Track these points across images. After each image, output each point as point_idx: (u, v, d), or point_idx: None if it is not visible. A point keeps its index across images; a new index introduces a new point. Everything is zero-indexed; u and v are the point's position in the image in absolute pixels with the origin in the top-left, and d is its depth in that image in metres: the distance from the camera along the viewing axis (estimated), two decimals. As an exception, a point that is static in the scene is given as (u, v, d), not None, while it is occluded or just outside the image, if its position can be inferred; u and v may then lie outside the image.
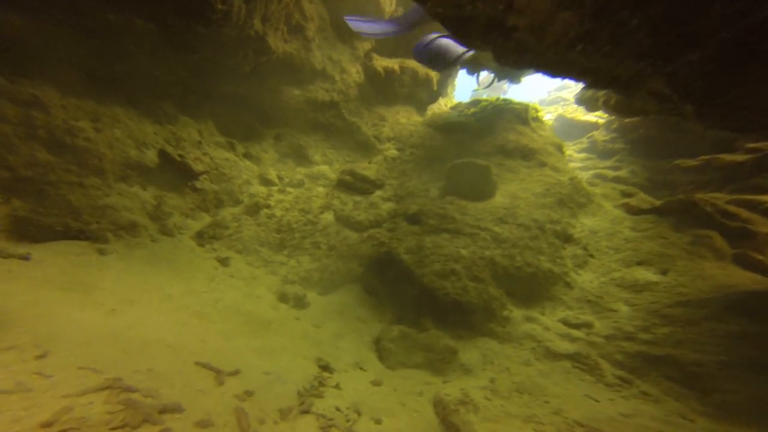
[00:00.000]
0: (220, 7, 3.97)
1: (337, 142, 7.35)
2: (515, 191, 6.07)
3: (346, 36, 7.07)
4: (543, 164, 6.68)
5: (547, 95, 18.06)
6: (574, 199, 5.87)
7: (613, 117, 10.18)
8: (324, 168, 7.03)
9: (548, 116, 12.57)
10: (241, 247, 5.26)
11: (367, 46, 7.27)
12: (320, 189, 6.49)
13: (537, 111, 8.24)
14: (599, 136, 10.32)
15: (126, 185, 4.35)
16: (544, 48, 3.06)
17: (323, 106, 7.02)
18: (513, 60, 3.81)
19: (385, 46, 7.73)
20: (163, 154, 4.87)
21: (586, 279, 4.40)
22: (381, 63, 7.39)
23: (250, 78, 5.85)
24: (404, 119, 7.81)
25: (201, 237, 5.11)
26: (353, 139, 7.35)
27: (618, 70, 3.09)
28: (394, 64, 7.52)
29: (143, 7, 3.96)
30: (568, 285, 4.39)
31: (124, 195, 4.24)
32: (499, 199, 5.89)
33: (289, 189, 6.31)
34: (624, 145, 9.28)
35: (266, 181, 6.20)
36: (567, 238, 5.17)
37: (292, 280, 5.09)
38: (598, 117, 10.99)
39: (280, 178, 6.46)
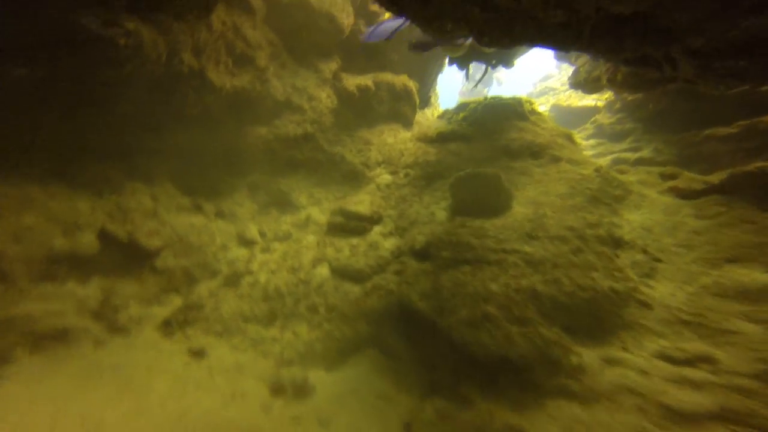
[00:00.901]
0: (123, 42, 3.15)
1: (323, 178, 6.44)
2: (535, 197, 5.08)
3: (307, 58, 6.29)
4: (557, 159, 5.73)
5: (534, 88, 17.41)
6: (607, 192, 4.87)
7: (614, 97, 9.35)
8: (312, 211, 6.08)
9: (542, 108, 11.80)
10: (221, 328, 4.24)
11: (333, 66, 6.47)
12: (311, 238, 5.52)
13: (531, 103, 7.38)
14: (604, 119, 9.44)
15: (53, 285, 3.39)
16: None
17: (297, 141, 6.15)
18: (498, 35, 2.95)
19: (354, 63, 6.95)
20: (104, 234, 3.93)
21: (665, 292, 3.34)
22: (352, 82, 6.58)
23: (204, 123, 4.99)
24: (391, 138, 6.94)
25: (168, 326, 4.10)
26: (339, 171, 6.44)
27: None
28: (366, 80, 6.71)
29: (31, 58, 3.12)
30: (643, 304, 3.33)
31: (49, 298, 3.27)
32: (519, 209, 4.90)
33: (274, 245, 5.34)
34: (635, 124, 8.36)
35: (246, 241, 5.24)
36: (617, 243, 4.15)
37: (289, 359, 4.03)
38: (596, 100, 10.18)
39: (262, 233, 5.51)
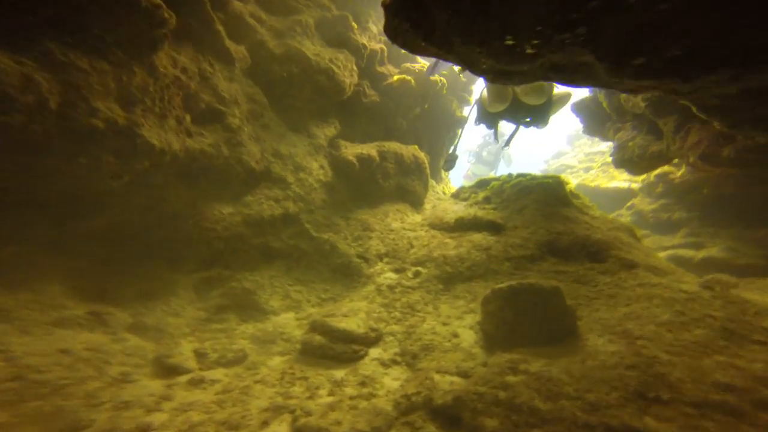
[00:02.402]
0: (12, 93, 1.76)
1: (305, 273, 4.81)
2: (616, 322, 3.42)
3: (298, 120, 5.01)
4: (630, 265, 4.17)
5: (547, 165, 16.58)
6: (747, 323, 3.21)
7: (654, 178, 8.16)
8: (285, 318, 4.38)
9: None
10: None
11: (329, 131, 5.20)
12: (275, 363, 3.76)
13: (568, 184, 6.07)
14: (643, 204, 8.13)
15: None
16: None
17: (275, 225, 4.63)
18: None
19: (356, 128, 5.71)
20: None
21: None
22: (352, 150, 5.25)
23: (133, 198, 3.48)
24: (397, 223, 5.45)
25: None
26: (328, 265, 4.84)
27: None
28: (370, 149, 5.40)
29: None
30: None
31: None
32: (596, 341, 3.21)
33: (215, 374, 3.54)
34: (688, 213, 7.01)
35: (167, 370, 3.43)
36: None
37: None
38: (630, 181, 9.01)
39: (201, 354, 3.72)
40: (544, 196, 5.30)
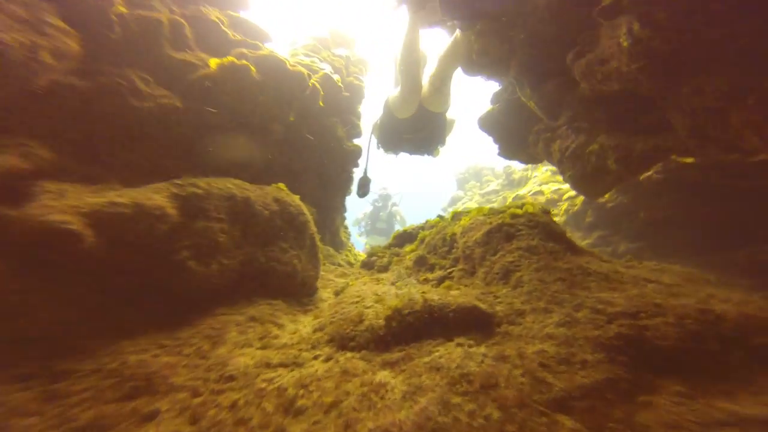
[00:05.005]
0: None
1: None
2: None
3: None
4: None
5: (446, 214, 14.98)
6: None
7: (580, 206, 6.54)
8: None
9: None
10: None
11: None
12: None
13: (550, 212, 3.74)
14: (575, 241, 6.42)
15: None
16: None
17: None
18: None
19: (118, 157, 2.56)
20: None
21: None
22: (86, 202, 2.05)
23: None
24: (246, 355, 2.23)
25: None
26: None
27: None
28: (149, 194, 2.27)
29: None
30: None
31: None
32: None
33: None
34: (633, 243, 5.32)
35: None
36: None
37: None
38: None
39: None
40: (536, 241, 2.72)
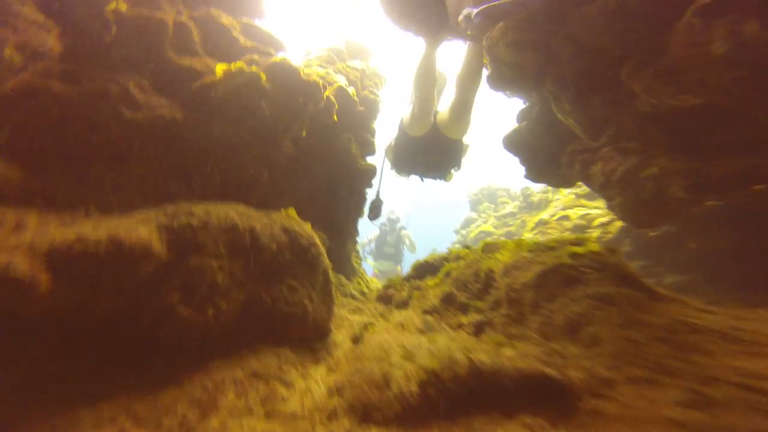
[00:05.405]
0: None
1: None
2: None
3: None
4: None
5: (460, 237, 14.47)
6: None
7: (617, 232, 6.05)
8: None
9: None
10: None
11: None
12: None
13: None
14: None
15: None
16: None
17: None
18: None
19: (105, 178, 2.16)
20: None
21: None
22: (60, 236, 1.62)
23: None
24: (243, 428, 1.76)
25: None
26: None
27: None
28: (134, 226, 1.85)
29: None
30: None
31: None
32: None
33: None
34: (681, 276, 4.81)
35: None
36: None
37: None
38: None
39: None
40: (611, 288, 2.22)
